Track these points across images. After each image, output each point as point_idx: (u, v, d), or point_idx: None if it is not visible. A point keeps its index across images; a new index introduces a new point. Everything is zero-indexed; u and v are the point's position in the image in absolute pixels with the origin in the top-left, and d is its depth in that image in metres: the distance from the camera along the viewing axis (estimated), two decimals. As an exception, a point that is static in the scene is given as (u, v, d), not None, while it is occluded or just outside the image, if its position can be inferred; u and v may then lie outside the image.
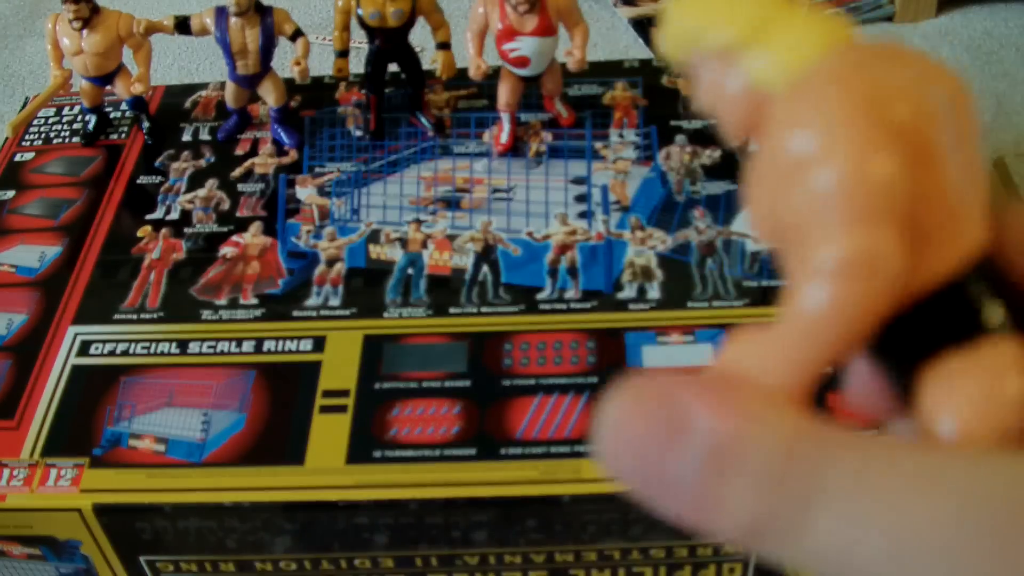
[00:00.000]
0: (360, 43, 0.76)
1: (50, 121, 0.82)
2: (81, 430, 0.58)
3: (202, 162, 0.77)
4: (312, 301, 0.65)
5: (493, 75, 0.75)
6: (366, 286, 0.66)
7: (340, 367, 0.60)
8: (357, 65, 0.78)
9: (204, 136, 0.79)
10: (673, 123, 0.77)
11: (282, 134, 0.77)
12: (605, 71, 0.82)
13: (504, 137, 0.75)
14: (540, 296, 0.64)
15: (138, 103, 0.77)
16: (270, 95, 0.77)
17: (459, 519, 0.55)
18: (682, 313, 0.62)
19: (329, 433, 0.57)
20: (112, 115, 0.81)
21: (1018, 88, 1.11)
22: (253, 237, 0.70)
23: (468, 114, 0.79)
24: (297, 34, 0.75)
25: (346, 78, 0.81)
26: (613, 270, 0.65)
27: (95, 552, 0.57)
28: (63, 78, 0.76)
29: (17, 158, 0.78)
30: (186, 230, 0.71)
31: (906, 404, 0.18)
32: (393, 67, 0.76)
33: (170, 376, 0.61)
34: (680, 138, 0.75)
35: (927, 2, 1.14)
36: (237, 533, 0.56)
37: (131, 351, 0.62)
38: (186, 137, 0.79)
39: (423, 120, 0.78)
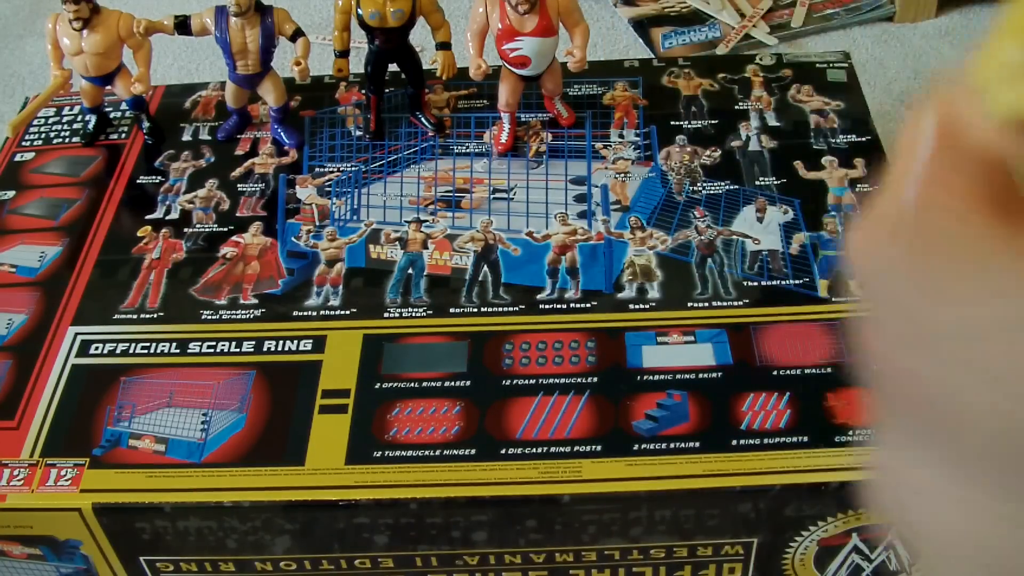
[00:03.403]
0: (360, 43, 0.76)
1: (50, 121, 0.82)
2: (81, 430, 0.58)
3: (202, 162, 0.77)
4: (312, 301, 0.65)
5: (493, 75, 0.75)
6: (366, 286, 0.66)
7: (340, 367, 0.60)
8: (357, 65, 0.78)
9: (204, 136, 0.79)
10: (673, 123, 0.76)
11: (282, 134, 0.77)
12: (605, 71, 0.82)
13: (504, 137, 0.75)
14: (540, 296, 0.64)
15: (138, 103, 0.77)
16: (270, 95, 0.76)
17: (459, 519, 0.55)
18: (682, 313, 0.62)
19: (329, 433, 0.57)
20: (112, 115, 0.81)
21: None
22: (253, 237, 0.70)
23: (468, 114, 0.79)
24: (297, 34, 0.75)
25: (346, 78, 0.81)
26: (613, 270, 0.65)
27: (95, 552, 0.57)
28: (63, 78, 0.76)
29: (17, 158, 0.78)
30: (186, 230, 0.71)
31: None
32: (393, 67, 0.76)
33: (170, 376, 0.61)
34: (680, 138, 0.75)
35: (927, 2, 1.14)
36: (237, 533, 0.56)
37: (131, 351, 0.62)
38: (186, 137, 0.79)
39: (423, 120, 0.78)
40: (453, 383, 0.59)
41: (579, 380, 0.59)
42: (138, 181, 0.75)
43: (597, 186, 0.72)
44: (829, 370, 0.58)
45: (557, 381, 0.59)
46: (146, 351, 0.62)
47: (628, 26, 1.15)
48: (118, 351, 0.62)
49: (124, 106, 0.80)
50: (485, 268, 0.66)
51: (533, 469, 0.55)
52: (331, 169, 0.75)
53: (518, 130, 0.76)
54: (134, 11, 0.75)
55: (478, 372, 0.60)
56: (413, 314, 0.63)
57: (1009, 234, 0.15)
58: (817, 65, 0.81)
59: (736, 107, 0.78)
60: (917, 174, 0.16)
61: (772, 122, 0.76)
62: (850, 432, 0.55)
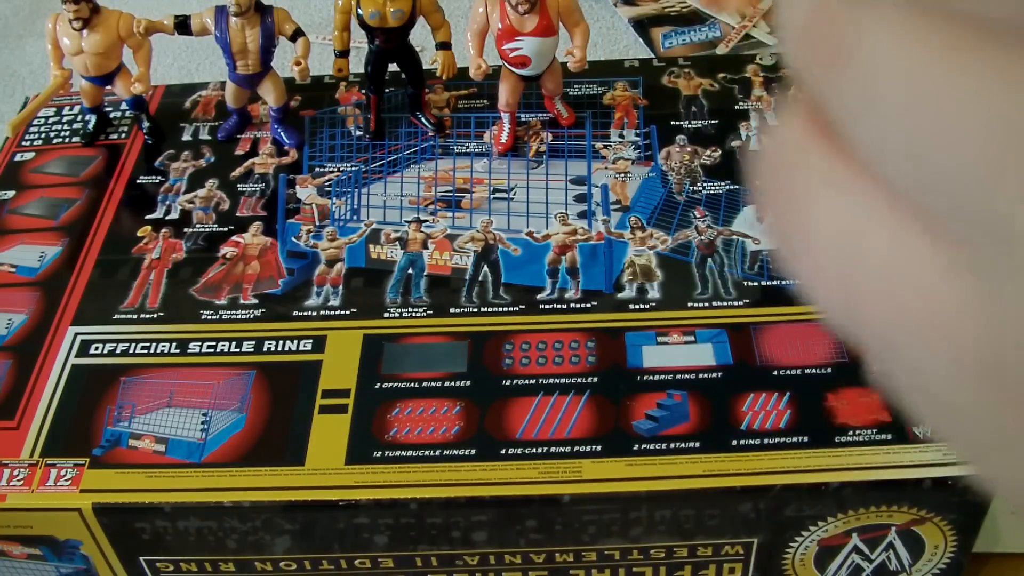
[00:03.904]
0: (360, 43, 0.76)
1: (50, 121, 0.82)
2: (81, 430, 0.58)
3: (202, 162, 0.77)
4: (312, 301, 0.65)
5: (493, 75, 0.75)
6: (366, 286, 0.66)
7: (340, 367, 0.60)
8: (357, 65, 0.78)
9: (204, 136, 0.79)
10: (673, 123, 0.76)
11: (282, 134, 0.77)
12: (605, 71, 0.82)
13: (504, 137, 0.75)
14: (540, 296, 0.64)
15: (138, 103, 0.77)
16: (270, 95, 0.76)
17: (459, 519, 0.55)
18: (682, 313, 0.62)
19: (329, 433, 0.57)
20: (112, 115, 0.81)
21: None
22: (253, 237, 0.70)
23: (468, 114, 0.79)
24: (297, 34, 0.75)
25: (346, 78, 0.81)
26: (613, 270, 0.65)
27: (95, 552, 0.57)
28: (63, 78, 0.76)
29: (17, 158, 0.78)
30: (186, 230, 0.71)
31: None
32: (393, 67, 0.76)
33: (170, 376, 0.61)
34: (680, 138, 0.75)
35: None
36: (237, 533, 0.56)
37: (131, 351, 0.62)
38: (186, 137, 0.79)
39: (423, 120, 0.78)
40: (453, 383, 0.59)
41: (579, 380, 0.59)
42: (138, 181, 0.75)
43: (597, 186, 0.72)
44: (829, 370, 0.58)
45: (557, 381, 0.59)
46: (146, 351, 0.62)
47: (628, 26, 1.15)
48: (118, 351, 0.62)
49: (124, 106, 0.80)
50: (485, 268, 0.66)
51: (533, 469, 0.55)
52: (331, 169, 0.75)
53: (518, 130, 0.76)
54: (134, 11, 0.75)
55: (478, 372, 0.60)
56: (413, 314, 0.63)
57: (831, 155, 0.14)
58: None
59: (736, 107, 0.78)
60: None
61: (772, 122, 0.76)
62: (850, 432, 0.55)
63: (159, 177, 0.76)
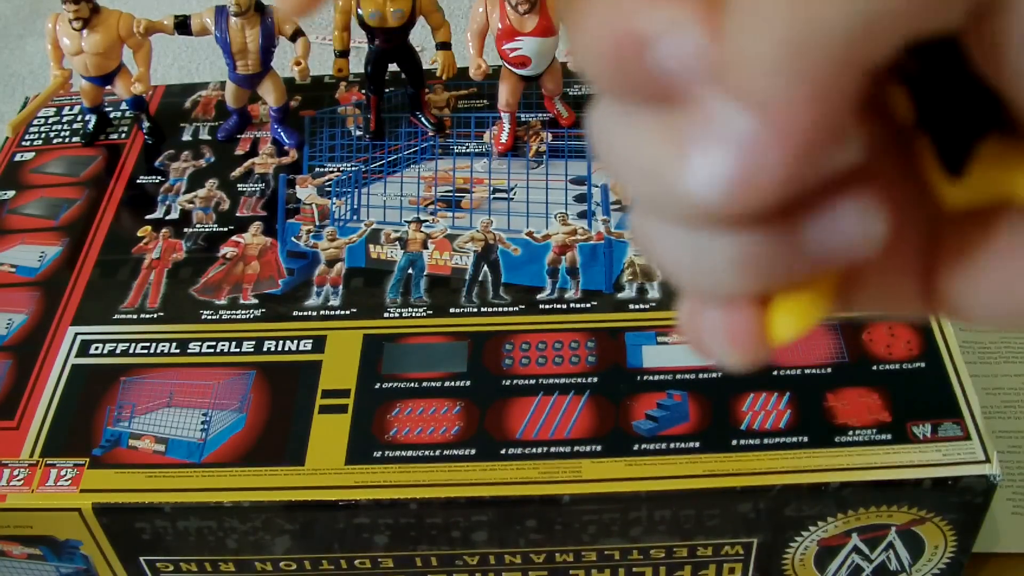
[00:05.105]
0: (360, 43, 0.76)
1: (50, 121, 0.82)
2: (81, 430, 0.58)
3: (202, 162, 0.77)
4: (312, 301, 0.65)
5: (493, 75, 0.75)
6: (366, 286, 0.66)
7: (340, 367, 0.60)
8: (357, 65, 0.78)
9: (204, 136, 0.79)
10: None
11: (282, 134, 0.77)
12: (605, 71, 0.82)
13: (504, 137, 0.75)
14: (540, 296, 0.64)
15: (138, 103, 0.77)
16: (270, 95, 0.77)
17: (459, 519, 0.55)
18: (682, 313, 0.62)
19: (329, 433, 0.57)
20: (112, 115, 0.81)
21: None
22: (253, 237, 0.70)
23: (468, 114, 0.79)
24: (297, 34, 0.75)
25: (346, 78, 0.81)
26: (613, 270, 0.65)
27: (95, 552, 0.57)
28: (63, 78, 0.76)
29: (17, 158, 0.78)
30: (186, 230, 0.71)
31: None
32: (393, 67, 0.76)
33: (170, 376, 0.61)
34: (680, 138, 0.75)
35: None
36: (237, 533, 0.56)
37: (131, 351, 0.62)
38: (186, 137, 0.79)
39: (423, 120, 0.78)
40: (453, 383, 0.59)
41: (579, 380, 0.59)
42: (138, 181, 0.75)
43: (597, 186, 0.72)
44: (829, 370, 0.58)
45: (557, 381, 0.59)
46: (146, 351, 0.62)
47: (628, 26, 1.15)
48: (118, 351, 0.62)
49: (124, 106, 0.80)
50: (485, 268, 0.66)
51: (533, 469, 0.55)
52: (331, 169, 0.75)
53: (518, 130, 0.76)
54: (134, 11, 0.75)
55: (478, 372, 0.60)
56: (413, 314, 0.63)
57: None
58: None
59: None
60: None
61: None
62: (850, 432, 0.55)
63: (159, 177, 0.76)
